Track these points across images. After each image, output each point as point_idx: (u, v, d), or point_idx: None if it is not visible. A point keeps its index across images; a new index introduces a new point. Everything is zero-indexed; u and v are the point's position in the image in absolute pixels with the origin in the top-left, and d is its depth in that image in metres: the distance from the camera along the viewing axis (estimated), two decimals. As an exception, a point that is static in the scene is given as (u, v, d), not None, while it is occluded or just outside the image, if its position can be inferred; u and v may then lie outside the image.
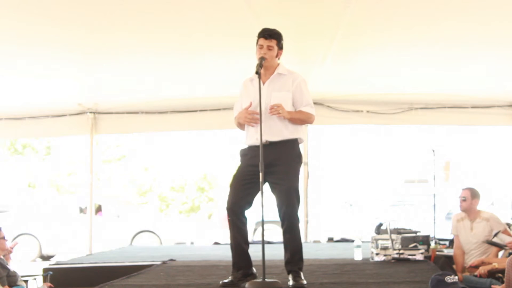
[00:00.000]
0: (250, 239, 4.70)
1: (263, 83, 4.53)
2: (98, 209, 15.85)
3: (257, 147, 4.42)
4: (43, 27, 6.09)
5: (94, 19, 5.96)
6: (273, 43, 4.54)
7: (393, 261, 6.09)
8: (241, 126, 4.72)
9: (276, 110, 4.45)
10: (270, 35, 4.54)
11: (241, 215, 4.55)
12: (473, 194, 6.19)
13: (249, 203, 4.55)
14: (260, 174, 4.33)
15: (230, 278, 4.58)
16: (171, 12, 5.88)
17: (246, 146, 4.67)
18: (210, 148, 25.72)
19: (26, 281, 6.01)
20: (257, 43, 4.58)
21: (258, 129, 4.39)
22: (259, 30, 4.60)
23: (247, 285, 4.27)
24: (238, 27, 5.96)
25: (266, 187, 4.49)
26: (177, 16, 5.97)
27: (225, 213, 4.64)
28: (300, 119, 4.62)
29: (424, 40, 6.65)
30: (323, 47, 6.92)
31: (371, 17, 6.10)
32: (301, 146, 4.71)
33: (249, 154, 4.56)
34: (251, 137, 4.58)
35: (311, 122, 4.70)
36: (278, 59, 4.65)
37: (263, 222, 4.32)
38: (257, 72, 4.43)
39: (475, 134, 19.39)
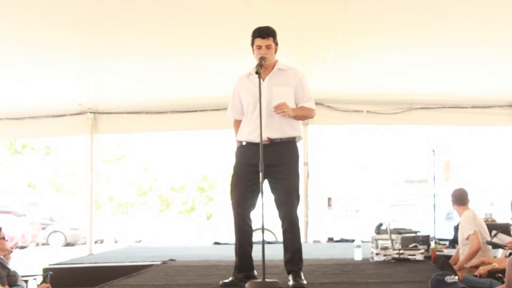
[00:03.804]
0: None
1: (263, 80, 4.50)
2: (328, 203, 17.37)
3: (256, 144, 4.40)
4: (43, 28, 6.09)
5: (95, 20, 5.96)
6: (270, 41, 4.52)
7: (393, 261, 6.08)
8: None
9: (281, 109, 4.43)
10: (267, 34, 4.51)
11: (246, 217, 4.53)
12: (451, 198, 6.37)
13: (253, 205, 4.53)
14: (260, 174, 4.31)
15: (230, 278, 4.58)
16: (171, 14, 5.88)
17: (243, 143, 4.63)
18: (210, 148, 25.73)
19: (26, 281, 6.01)
20: (252, 43, 4.54)
21: (258, 126, 4.35)
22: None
23: (247, 285, 4.26)
24: (239, 28, 5.95)
25: (266, 186, 4.48)
26: (177, 17, 5.97)
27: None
28: (304, 115, 4.65)
29: (424, 40, 6.65)
30: (324, 47, 6.92)
31: (371, 18, 6.10)
32: (300, 144, 4.71)
33: (249, 153, 4.53)
34: (250, 134, 4.55)
35: (312, 117, 4.75)
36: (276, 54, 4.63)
37: (263, 222, 4.31)
38: (257, 72, 4.41)
39: (475, 134, 19.42)
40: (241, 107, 4.68)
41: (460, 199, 6.32)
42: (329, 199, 18.03)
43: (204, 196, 29.03)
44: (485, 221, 7.19)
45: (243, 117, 4.67)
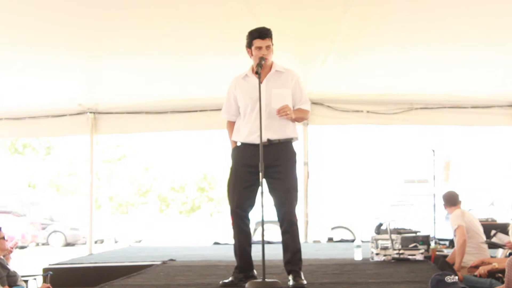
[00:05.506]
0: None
1: (261, 81, 4.48)
2: None
3: (255, 146, 4.40)
4: (43, 29, 6.09)
5: (95, 20, 5.96)
6: (269, 41, 4.53)
7: (393, 261, 6.09)
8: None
9: (284, 112, 4.44)
10: (266, 34, 4.51)
11: (245, 217, 4.54)
12: (443, 201, 6.42)
13: (251, 205, 4.54)
14: (260, 174, 4.31)
15: (230, 278, 4.59)
16: (171, 15, 5.88)
17: (239, 144, 4.64)
18: (210, 148, 25.73)
19: (26, 281, 6.01)
20: (251, 44, 4.52)
21: (258, 127, 4.36)
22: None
23: (247, 285, 4.27)
24: (239, 30, 5.93)
25: (265, 187, 4.48)
26: (178, 19, 5.98)
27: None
28: (302, 117, 4.69)
29: (424, 41, 6.65)
30: (324, 49, 6.92)
31: (371, 19, 6.10)
32: (300, 144, 4.73)
33: (247, 154, 4.53)
34: (249, 135, 4.54)
35: (308, 118, 4.88)
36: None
37: (263, 222, 4.31)
38: (257, 72, 4.41)
39: (475, 134, 19.43)
40: (236, 108, 4.67)
41: (451, 200, 6.34)
42: None
43: (204, 196, 29.03)
44: (485, 221, 7.21)
45: (238, 118, 4.67)
